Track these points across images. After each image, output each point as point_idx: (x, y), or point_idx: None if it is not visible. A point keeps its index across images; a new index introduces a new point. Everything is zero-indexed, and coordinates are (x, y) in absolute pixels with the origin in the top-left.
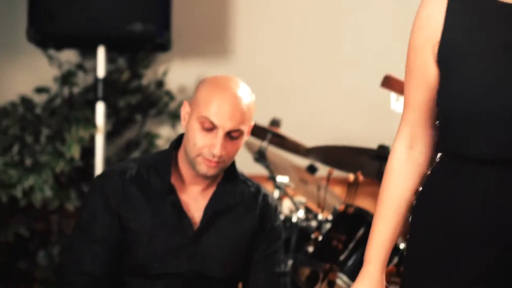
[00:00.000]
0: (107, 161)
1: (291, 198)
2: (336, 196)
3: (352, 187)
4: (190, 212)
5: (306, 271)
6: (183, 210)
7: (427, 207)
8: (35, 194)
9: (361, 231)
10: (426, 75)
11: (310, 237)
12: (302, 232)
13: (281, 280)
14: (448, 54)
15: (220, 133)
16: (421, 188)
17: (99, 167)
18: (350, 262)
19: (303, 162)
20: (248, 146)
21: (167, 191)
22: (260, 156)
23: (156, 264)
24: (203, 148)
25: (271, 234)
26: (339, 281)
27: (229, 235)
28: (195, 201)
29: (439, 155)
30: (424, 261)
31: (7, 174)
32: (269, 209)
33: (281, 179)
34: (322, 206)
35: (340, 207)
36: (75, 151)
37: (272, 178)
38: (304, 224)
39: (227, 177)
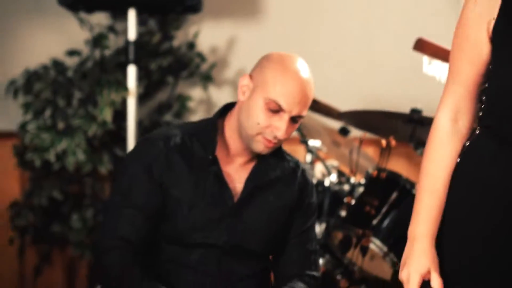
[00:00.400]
0: (139, 123)
1: (323, 162)
2: (369, 158)
3: (384, 151)
4: (232, 183)
5: (338, 235)
6: (225, 181)
7: (468, 181)
8: (68, 158)
9: (394, 195)
10: (478, 50)
11: (343, 201)
12: (335, 196)
13: (312, 257)
14: (504, 33)
15: (286, 117)
16: (459, 160)
17: (131, 130)
18: (383, 227)
19: (335, 124)
20: None
21: (210, 162)
22: None
23: (194, 234)
24: (266, 128)
25: (307, 210)
26: (372, 246)
27: (268, 209)
28: (237, 172)
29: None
30: (467, 233)
31: (40, 138)
32: (307, 184)
33: (313, 143)
34: (354, 169)
35: (373, 172)
36: (107, 114)
37: (304, 142)
38: (336, 188)
39: (270, 151)
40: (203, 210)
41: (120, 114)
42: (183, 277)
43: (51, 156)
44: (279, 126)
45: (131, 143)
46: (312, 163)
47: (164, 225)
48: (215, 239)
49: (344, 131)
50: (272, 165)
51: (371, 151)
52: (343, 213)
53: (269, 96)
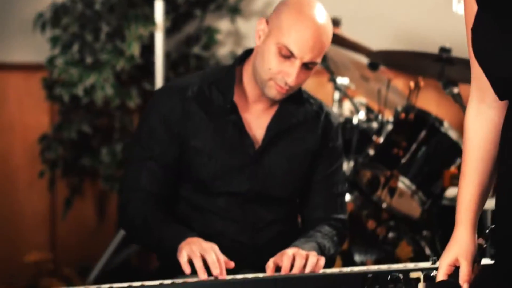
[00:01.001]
0: (167, 57)
1: (351, 100)
2: (399, 92)
3: (413, 92)
4: (252, 131)
5: (367, 174)
6: (245, 129)
7: None
8: (96, 92)
9: (422, 134)
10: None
11: (371, 139)
12: (363, 134)
13: (338, 200)
14: None
15: (297, 64)
16: None
17: (159, 64)
18: (411, 165)
19: (364, 58)
20: None
21: (229, 110)
22: None
23: (216, 183)
24: (277, 74)
25: (332, 153)
26: (400, 184)
27: (291, 155)
28: (257, 119)
29: None
30: None
31: (68, 72)
32: (331, 128)
33: (342, 80)
34: (383, 105)
35: (401, 114)
36: (135, 49)
37: (332, 80)
38: (365, 125)
39: (291, 96)
40: (224, 159)
41: (148, 48)
42: (209, 224)
43: (80, 91)
44: (290, 72)
45: (159, 77)
46: (340, 100)
47: (187, 174)
48: (238, 187)
49: (373, 66)
50: (294, 110)
51: (400, 84)
52: (371, 151)
53: (281, 41)
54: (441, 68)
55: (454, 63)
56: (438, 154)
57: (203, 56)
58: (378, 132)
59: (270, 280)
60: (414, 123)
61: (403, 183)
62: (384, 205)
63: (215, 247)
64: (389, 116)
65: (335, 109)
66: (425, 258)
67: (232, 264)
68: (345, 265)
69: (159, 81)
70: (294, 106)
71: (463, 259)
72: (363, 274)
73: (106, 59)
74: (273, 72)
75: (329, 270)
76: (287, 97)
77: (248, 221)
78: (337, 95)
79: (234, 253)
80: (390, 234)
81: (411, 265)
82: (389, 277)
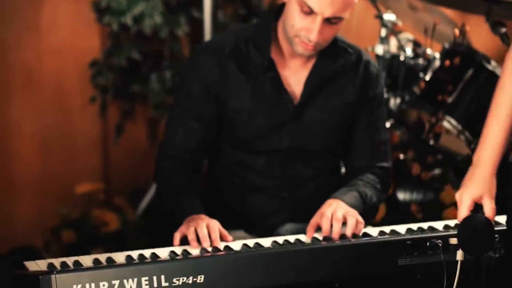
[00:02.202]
0: None
1: (398, 37)
2: (448, 20)
3: (461, 30)
4: (291, 87)
5: (413, 114)
6: (283, 85)
7: None
8: (145, 21)
9: (469, 72)
10: None
11: (418, 76)
12: (410, 71)
13: (381, 148)
14: None
15: (318, 20)
16: None
17: None
18: (458, 104)
19: None
20: None
21: (267, 67)
22: None
23: (257, 141)
24: (300, 30)
25: (372, 102)
26: (446, 124)
27: (330, 108)
28: (295, 74)
29: None
30: None
31: (116, 1)
32: (370, 76)
33: (388, 16)
34: (430, 37)
35: (448, 53)
36: None
37: (379, 17)
38: (411, 62)
39: (327, 48)
40: (263, 118)
41: None
42: (249, 180)
43: (128, 20)
44: (312, 28)
45: (207, 4)
46: (387, 37)
47: (227, 132)
48: (278, 144)
49: None
50: (331, 62)
51: (450, 12)
52: (418, 89)
53: None
54: (489, 8)
55: (500, 2)
56: (485, 92)
57: None
58: (425, 69)
59: (308, 250)
60: (461, 61)
61: (449, 122)
62: (431, 142)
63: (212, 222)
64: (437, 50)
65: (381, 46)
66: None
67: (230, 239)
68: (389, 210)
69: (207, 9)
70: (331, 59)
71: (488, 196)
72: (402, 241)
73: None
74: (296, 29)
75: (367, 238)
76: (323, 50)
77: (288, 177)
78: (383, 32)
79: (275, 208)
80: (435, 179)
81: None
82: (427, 244)
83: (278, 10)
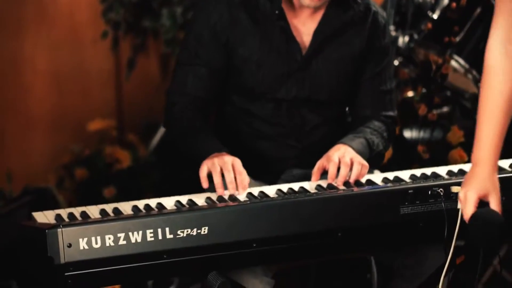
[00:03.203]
0: None
1: None
2: None
3: None
4: (299, 36)
5: (421, 52)
6: (292, 34)
7: None
8: None
9: (477, 10)
10: None
11: (427, 14)
12: (418, 8)
13: (387, 97)
14: None
15: None
16: None
17: None
18: (466, 43)
19: None
20: None
21: (277, 16)
22: None
23: (264, 89)
24: None
25: (379, 52)
26: (454, 63)
27: (338, 59)
28: (304, 25)
29: None
30: None
31: None
32: (378, 27)
33: None
34: None
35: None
36: None
37: None
38: (420, 0)
39: (320, 4)
40: (271, 66)
41: None
42: (256, 127)
43: None
44: None
45: None
46: None
47: (235, 80)
48: (285, 94)
49: None
50: (340, 13)
51: None
52: (425, 27)
53: None
54: None
55: None
56: None
57: None
58: (433, 7)
59: (312, 200)
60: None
61: (457, 62)
62: (438, 80)
63: (237, 162)
64: None
65: None
66: None
67: (245, 185)
68: (396, 151)
69: None
70: (340, 10)
71: (494, 192)
72: (404, 190)
73: None
74: None
75: (369, 187)
76: (332, 1)
77: (295, 125)
78: None
79: (282, 154)
80: (442, 118)
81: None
82: (429, 192)
83: None
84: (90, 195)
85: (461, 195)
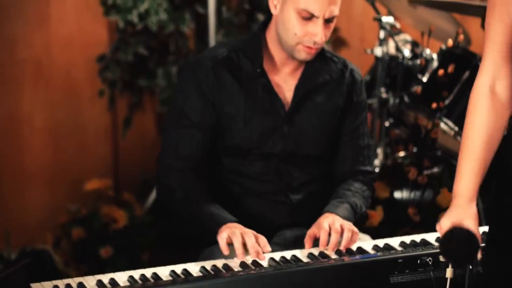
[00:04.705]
0: None
1: (395, 40)
2: (449, 17)
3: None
4: (282, 93)
5: (411, 114)
6: (275, 91)
7: None
8: (150, 18)
9: (466, 74)
10: (507, 7)
11: (416, 77)
12: (408, 71)
13: (365, 152)
14: None
15: (320, 22)
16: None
17: None
18: (455, 106)
19: None
20: None
21: (258, 74)
22: None
23: (251, 146)
24: (304, 36)
25: (357, 108)
26: (443, 126)
27: (320, 113)
28: (285, 82)
29: None
30: None
31: None
32: (355, 83)
33: (387, 19)
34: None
35: (445, 54)
36: None
37: (378, 20)
38: (410, 63)
39: (316, 56)
40: (257, 122)
41: None
42: (247, 186)
43: (134, 17)
44: (316, 32)
45: (211, 0)
46: (385, 39)
47: (222, 139)
48: (272, 148)
49: None
50: (319, 69)
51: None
52: (416, 89)
53: (300, 6)
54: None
55: None
56: None
57: None
58: (423, 70)
59: (304, 271)
60: (458, 62)
61: (446, 124)
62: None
63: (254, 232)
64: (436, 48)
65: (380, 48)
66: None
67: (268, 249)
68: (387, 213)
69: (211, 4)
70: (319, 66)
71: (468, 221)
72: (394, 260)
73: None
74: (299, 36)
75: (360, 256)
76: (311, 59)
77: (283, 182)
78: (382, 34)
79: (273, 212)
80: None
81: None
82: (418, 261)
83: (265, 21)
84: (87, 255)
85: (437, 228)
